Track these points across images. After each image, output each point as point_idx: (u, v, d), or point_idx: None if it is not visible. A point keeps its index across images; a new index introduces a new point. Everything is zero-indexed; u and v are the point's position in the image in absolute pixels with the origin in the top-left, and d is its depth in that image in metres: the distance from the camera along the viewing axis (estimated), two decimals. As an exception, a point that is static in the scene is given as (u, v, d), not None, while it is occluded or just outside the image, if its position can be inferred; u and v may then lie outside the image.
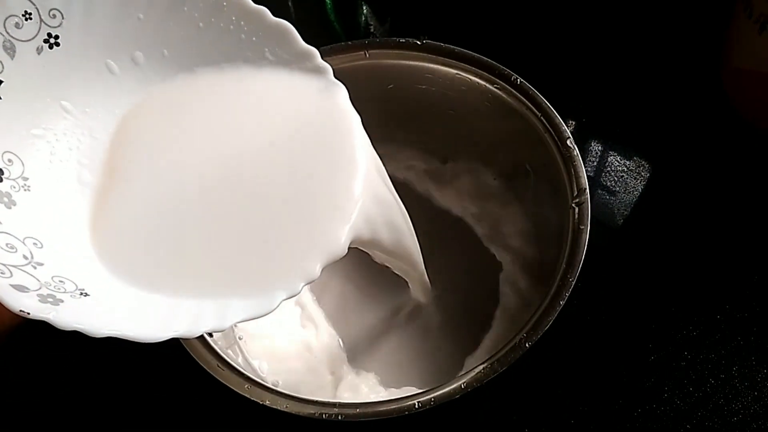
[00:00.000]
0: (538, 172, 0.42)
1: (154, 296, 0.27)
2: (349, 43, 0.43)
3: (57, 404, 0.44)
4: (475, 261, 0.47)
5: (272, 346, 0.43)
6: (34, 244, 0.26)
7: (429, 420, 0.35)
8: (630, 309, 0.44)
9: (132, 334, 0.25)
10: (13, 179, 0.27)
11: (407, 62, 0.42)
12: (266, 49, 0.30)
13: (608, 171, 0.51)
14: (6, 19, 0.26)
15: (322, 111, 0.30)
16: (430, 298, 0.45)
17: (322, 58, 0.31)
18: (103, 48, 0.29)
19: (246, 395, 0.32)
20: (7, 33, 0.26)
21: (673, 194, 0.49)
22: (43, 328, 0.24)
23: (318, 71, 0.31)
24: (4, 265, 0.24)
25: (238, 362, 0.35)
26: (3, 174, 0.27)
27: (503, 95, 0.40)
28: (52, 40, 0.27)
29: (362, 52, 0.42)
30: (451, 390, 0.31)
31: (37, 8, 0.27)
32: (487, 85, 0.41)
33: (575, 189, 0.36)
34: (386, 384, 0.43)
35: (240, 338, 0.42)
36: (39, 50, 0.27)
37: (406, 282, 0.42)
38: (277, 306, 0.26)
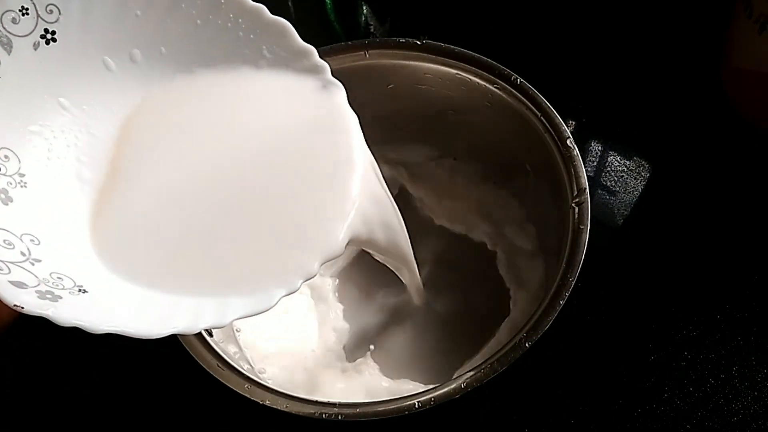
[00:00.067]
0: (538, 172, 0.42)
1: (153, 293, 0.27)
2: (349, 43, 0.43)
3: (56, 404, 0.44)
4: (475, 260, 0.47)
5: (271, 338, 0.44)
6: (32, 240, 0.26)
7: (429, 420, 0.35)
8: (630, 309, 0.44)
9: (131, 330, 0.25)
10: (10, 176, 0.27)
11: (407, 62, 0.42)
12: (264, 47, 0.30)
13: (608, 171, 0.51)
14: (3, 14, 0.26)
15: (319, 111, 0.30)
16: (423, 298, 0.45)
17: (321, 58, 0.31)
18: (101, 45, 0.29)
19: (246, 395, 0.32)
20: (4, 28, 0.26)
21: (673, 194, 0.49)
22: (41, 327, 0.24)
23: (316, 69, 0.31)
24: (2, 261, 0.24)
25: (232, 356, 0.35)
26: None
27: (503, 95, 0.40)
28: (48, 36, 0.27)
29: (362, 52, 0.42)
30: (451, 390, 0.31)
31: (34, 4, 0.27)
32: (487, 85, 0.41)
33: (575, 189, 0.36)
34: (386, 374, 0.43)
35: (238, 330, 0.42)
36: (36, 46, 0.27)
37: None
38: (276, 303, 0.26)
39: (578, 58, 0.56)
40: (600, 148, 0.52)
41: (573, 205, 0.36)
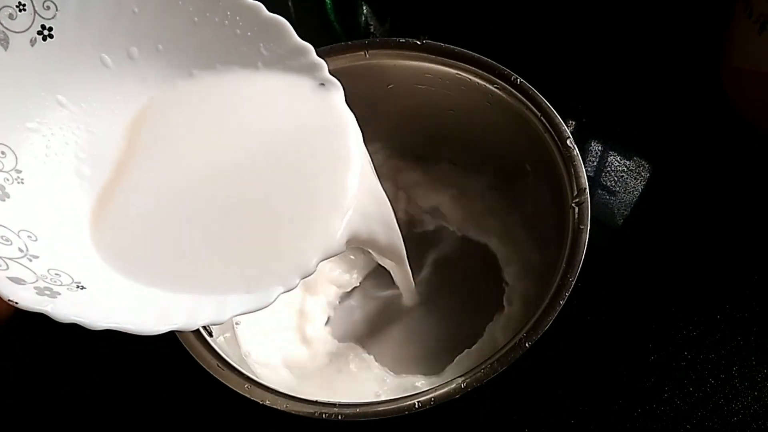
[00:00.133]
0: (538, 172, 0.42)
1: (152, 289, 0.27)
2: (349, 43, 0.43)
3: (56, 404, 0.44)
4: (474, 260, 0.47)
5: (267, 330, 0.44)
6: (29, 237, 0.26)
7: (429, 420, 0.35)
8: (630, 309, 0.44)
9: (130, 326, 0.25)
10: (6, 172, 0.27)
11: (407, 62, 0.42)
12: (261, 44, 0.30)
13: (608, 171, 0.51)
14: (0, 9, 0.26)
15: (317, 110, 0.30)
16: (415, 298, 0.45)
17: (321, 57, 0.31)
18: (98, 42, 0.29)
19: (246, 395, 0.32)
20: (1, 24, 0.26)
21: (673, 194, 0.49)
22: (40, 326, 0.24)
23: (313, 68, 0.31)
24: (0, 257, 0.24)
25: (228, 352, 0.35)
26: None
27: (503, 95, 0.40)
28: (45, 32, 0.27)
29: (362, 52, 0.42)
30: (451, 390, 0.31)
31: (31, 0, 0.27)
32: (487, 85, 0.41)
33: (575, 189, 0.36)
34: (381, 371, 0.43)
35: (237, 323, 0.42)
36: (33, 42, 0.27)
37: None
38: (274, 300, 0.27)
39: (578, 58, 0.56)
40: (600, 148, 0.52)
41: (573, 205, 0.36)
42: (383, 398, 0.32)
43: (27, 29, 0.27)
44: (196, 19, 0.30)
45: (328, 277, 0.47)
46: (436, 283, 0.47)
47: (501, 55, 0.41)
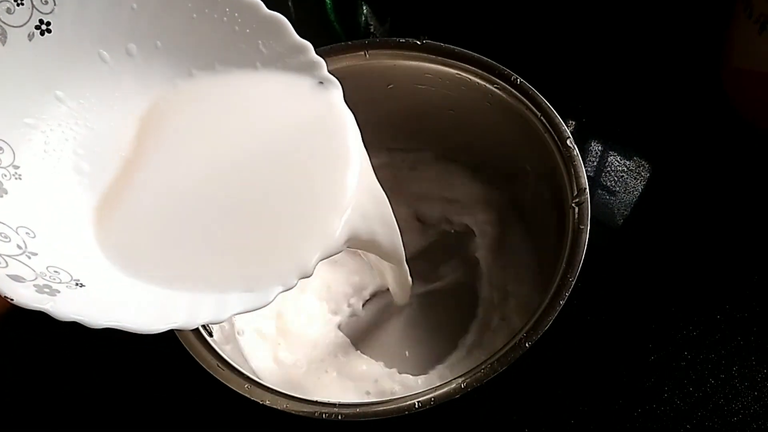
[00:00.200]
0: (538, 172, 0.42)
1: (152, 288, 0.27)
2: (349, 43, 0.43)
3: (55, 404, 0.44)
4: (474, 259, 0.47)
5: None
6: (27, 233, 0.26)
7: (429, 420, 0.35)
8: (630, 309, 0.44)
9: (130, 324, 0.25)
10: (4, 167, 0.27)
11: (407, 62, 0.42)
12: (260, 42, 0.30)
13: (608, 171, 0.51)
14: None
15: (316, 108, 0.30)
16: (410, 297, 0.45)
17: (321, 57, 0.31)
18: (96, 37, 0.29)
19: (246, 395, 0.32)
20: None
21: (673, 194, 0.49)
22: (38, 325, 0.24)
23: (312, 66, 0.31)
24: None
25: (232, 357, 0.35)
26: None
27: (503, 95, 0.40)
28: (44, 27, 0.27)
29: (362, 52, 0.42)
30: (451, 390, 0.31)
31: None
32: (487, 85, 0.41)
33: (575, 189, 0.36)
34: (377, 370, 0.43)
35: (239, 333, 0.42)
36: (30, 37, 0.27)
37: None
38: (273, 299, 0.27)
39: (578, 58, 0.56)
40: (600, 148, 0.52)
41: (573, 205, 0.36)
42: (383, 399, 0.32)
43: (25, 24, 0.27)
44: (194, 15, 0.30)
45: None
46: (432, 284, 0.47)
47: (501, 55, 0.41)
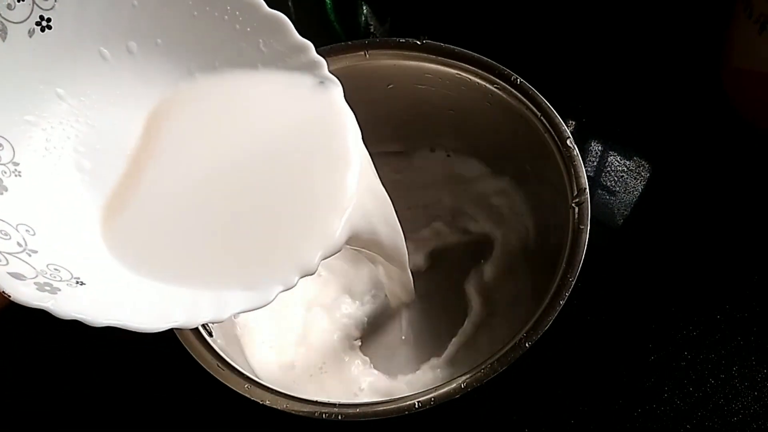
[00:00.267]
0: (538, 172, 0.42)
1: (154, 286, 0.27)
2: (349, 43, 0.43)
3: (55, 404, 0.44)
4: (472, 259, 0.47)
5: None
6: (27, 231, 0.26)
7: (429, 420, 0.35)
8: (630, 309, 0.44)
9: (131, 323, 0.25)
10: (3, 164, 0.27)
11: (407, 62, 0.42)
12: (260, 41, 0.30)
13: (608, 171, 0.51)
14: None
15: (316, 108, 0.30)
16: (411, 297, 0.45)
17: (320, 56, 0.31)
18: (97, 34, 0.29)
19: (246, 395, 0.32)
20: None
21: (673, 194, 0.49)
22: (37, 324, 0.24)
23: (313, 65, 0.31)
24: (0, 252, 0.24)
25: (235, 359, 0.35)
26: None
27: (503, 95, 0.40)
28: (44, 23, 0.27)
29: (362, 52, 0.42)
30: (451, 390, 0.31)
31: None
32: (487, 85, 0.41)
33: (575, 189, 0.36)
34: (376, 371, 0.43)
35: (239, 334, 0.42)
36: (31, 33, 0.27)
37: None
38: (274, 299, 0.27)
39: (578, 58, 0.56)
40: (600, 148, 0.52)
41: (573, 205, 0.36)
42: (383, 399, 0.32)
43: (25, 20, 0.27)
44: (195, 13, 0.29)
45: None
46: (430, 282, 0.47)
47: (501, 55, 0.41)
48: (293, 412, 0.32)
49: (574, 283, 0.33)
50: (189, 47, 0.30)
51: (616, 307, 0.44)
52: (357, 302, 0.47)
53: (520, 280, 0.44)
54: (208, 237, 0.29)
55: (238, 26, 0.30)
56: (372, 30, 0.54)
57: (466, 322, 0.43)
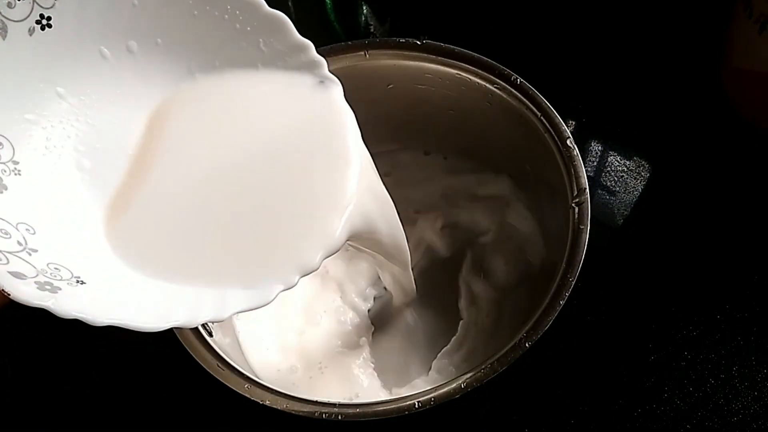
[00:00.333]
0: (538, 172, 0.42)
1: (153, 286, 0.27)
2: (349, 43, 0.43)
3: (55, 404, 0.44)
4: (474, 258, 0.47)
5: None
6: (27, 230, 0.26)
7: (429, 420, 0.35)
8: (630, 309, 0.44)
9: (132, 323, 0.25)
10: (3, 163, 0.27)
11: (407, 62, 0.42)
12: (261, 40, 0.30)
13: (608, 171, 0.51)
14: None
15: (316, 107, 0.30)
16: (412, 297, 0.45)
17: (320, 56, 0.31)
18: (97, 33, 0.29)
19: (246, 395, 0.32)
20: None
21: (673, 194, 0.49)
22: (37, 323, 0.24)
23: (313, 65, 0.31)
24: (0, 251, 0.24)
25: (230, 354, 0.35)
26: None
27: (503, 95, 0.40)
28: (44, 22, 0.27)
29: (362, 52, 0.42)
30: (451, 390, 0.31)
31: None
32: (487, 85, 0.41)
33: (575, 189, 0.36)
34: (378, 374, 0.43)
35: (239, 334, 0.42)
36: (31, 31, 0.27)
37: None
38: (274, 298, 0.27)
39: (578, 58, 0.56)
40: (600, 148, 0.52)
41: (573, 205, 0.36)
42: (383, 399, 0.32)
43: (25, 18, 0.27)
44: (195, 12, 0.29)
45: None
46: (430, 282, 0.47)
47: (501, 55, 0.41)
48: (293, 412, 0.32)
49: (574, 283, 0.33)
50: (189, 47, 0.30)
51: (616, 307, 0.44)
52: (357, 302, 0.47)
53: (520, 280, 0.44)
54: (208, 236, 0.29)
55: (238, 26, 0.30)
56: (372, 30, 0.54)
57: (465, 322, 0.44)
